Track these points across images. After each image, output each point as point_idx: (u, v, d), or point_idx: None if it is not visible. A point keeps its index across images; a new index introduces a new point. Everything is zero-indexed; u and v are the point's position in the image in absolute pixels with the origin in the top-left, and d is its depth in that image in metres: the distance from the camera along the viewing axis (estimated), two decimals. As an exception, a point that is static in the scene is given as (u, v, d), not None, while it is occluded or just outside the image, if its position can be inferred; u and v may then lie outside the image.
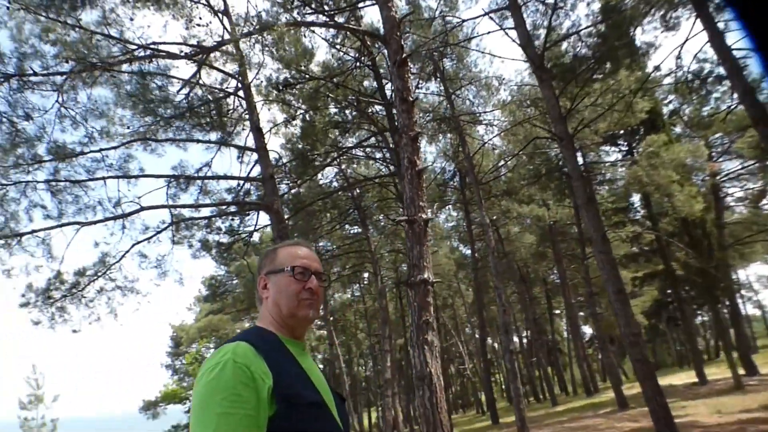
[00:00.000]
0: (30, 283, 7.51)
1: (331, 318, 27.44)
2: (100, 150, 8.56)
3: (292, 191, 14.00)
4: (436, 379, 5.10)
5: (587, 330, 33.92)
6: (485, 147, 16.19)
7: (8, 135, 6.75)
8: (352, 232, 19.70)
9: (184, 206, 9.73)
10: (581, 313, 27.59)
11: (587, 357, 26.98)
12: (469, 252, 21.36)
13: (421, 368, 5.14)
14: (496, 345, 30.10)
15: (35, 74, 6.53)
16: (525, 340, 32.50)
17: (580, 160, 15.45)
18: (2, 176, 6.87)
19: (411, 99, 6.02)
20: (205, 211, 11.52)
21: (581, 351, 23.44)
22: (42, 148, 7.39)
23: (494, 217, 21.22)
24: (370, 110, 13.15)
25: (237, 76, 10.29)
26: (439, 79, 14.29)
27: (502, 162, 17.64)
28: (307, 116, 13.06)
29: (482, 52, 14.38)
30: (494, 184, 18.18)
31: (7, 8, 6.39)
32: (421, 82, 14.63)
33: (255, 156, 10.33)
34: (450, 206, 21.79)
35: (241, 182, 11.02)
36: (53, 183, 7.77)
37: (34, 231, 7.18)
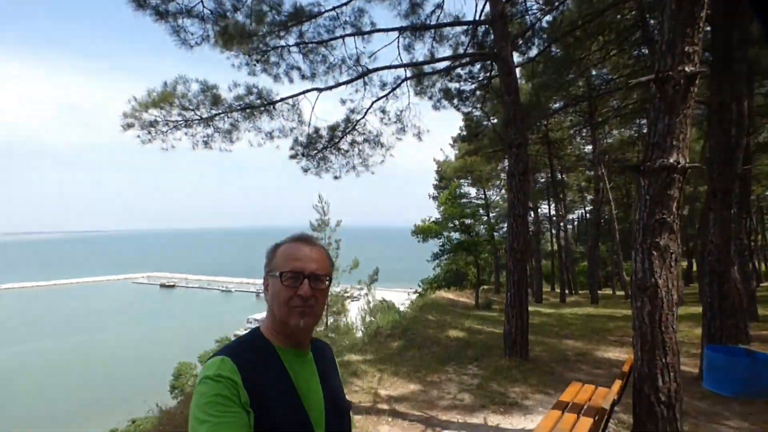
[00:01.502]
0: (296, 137, 9.18)
1: (606, 158, 23.99)
2: (333, 8, 8.66)
3: (545, 18, 11.27)
4: (663, 293, 3.82)
5: None
6: None
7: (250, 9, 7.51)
8: (635, 55, 15.05)
9: (408, 65, 9.23)
10: None
11: None
12: None
13: (643, 276, 3.86)
14: None
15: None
16: None
17: None
18: (262, 43, 7.98)
19: None
20: (442, 62, 10.75)
21: None
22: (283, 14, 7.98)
23: None
24: None
25: None
26: None
27: None
28: None
29: None
30: None
31: None
32: None
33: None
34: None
35: (471, 26, 9.49)
36: (302, 45, 8.57)
37: (282, 99, 8.38)
